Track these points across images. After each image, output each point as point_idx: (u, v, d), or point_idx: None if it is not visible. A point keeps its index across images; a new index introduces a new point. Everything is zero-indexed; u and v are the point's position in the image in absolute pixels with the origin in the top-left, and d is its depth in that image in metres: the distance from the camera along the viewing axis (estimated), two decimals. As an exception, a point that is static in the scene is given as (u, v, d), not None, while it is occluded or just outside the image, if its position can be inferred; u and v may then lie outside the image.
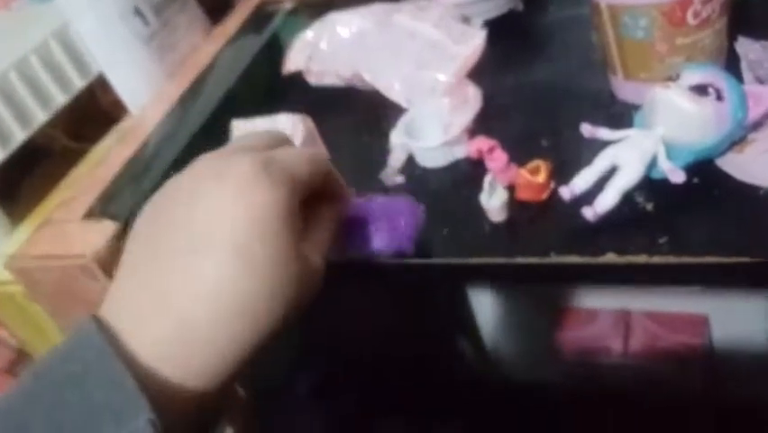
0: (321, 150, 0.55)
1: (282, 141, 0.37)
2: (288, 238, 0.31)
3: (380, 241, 0.41)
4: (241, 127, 0.56)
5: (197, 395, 0.30)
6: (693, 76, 0.41)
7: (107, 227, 0.52)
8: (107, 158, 0.61)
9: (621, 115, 0.49)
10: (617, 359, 0.97)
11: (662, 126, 0.41)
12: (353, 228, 0.41)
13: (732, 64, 0.48)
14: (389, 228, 0.41)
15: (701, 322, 0.94)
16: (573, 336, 0.98)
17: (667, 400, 0.91)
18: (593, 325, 0.98)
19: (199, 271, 0.30)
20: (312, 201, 0.36)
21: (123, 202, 0.54)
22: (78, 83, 0.66)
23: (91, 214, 0.54)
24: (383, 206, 0.42)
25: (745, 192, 0.40)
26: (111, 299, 0.32)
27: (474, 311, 1.04)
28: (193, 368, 0.30)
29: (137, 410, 0.27)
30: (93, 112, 0.71)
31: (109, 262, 0.50)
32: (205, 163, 0.33)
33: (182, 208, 0.32)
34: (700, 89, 0.40)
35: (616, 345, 0.96)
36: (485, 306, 1.03)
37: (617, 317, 0.98)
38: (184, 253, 0.30)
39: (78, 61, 0.66)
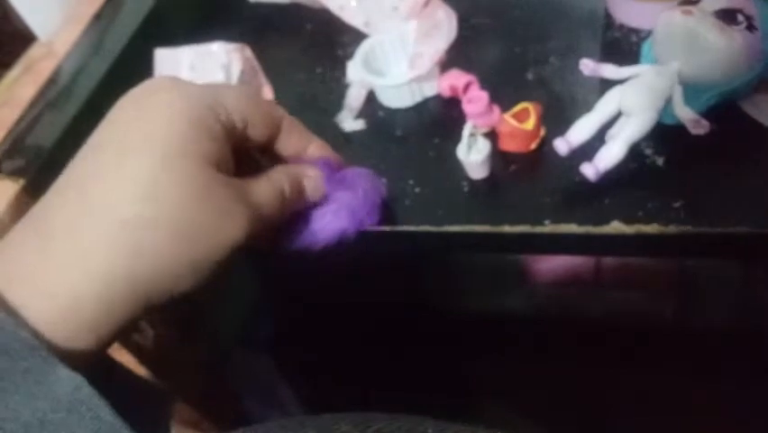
0: (263, 86, 0.47)
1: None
2: (194, 151, 0.28)
3: (334, 227, 0.33)
4: (165, 57, 0.47)
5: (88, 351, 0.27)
6: (719, -2, 0.33)
7: (9, 186, 0.43)
8: (10, 95, 0.51)
9: (620, 42, 0.42)
10: (589, 285, 0.94)
11: (679, 62, 0.33)
12: (299, 216, 0.34)
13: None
14: (347, 213, 0.33)
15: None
16: (543, 265, 0.94)
17: (640, 327, 0.89)
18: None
19: (109, 191, 0.27)
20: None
21: (27, 153, 0.45)
22: (-22, 3, 0.56)
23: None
24: (337, 182, 0.34)
25: (775, 142, 0.34)
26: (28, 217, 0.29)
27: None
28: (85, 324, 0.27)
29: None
30: (4, 35, 0.61)
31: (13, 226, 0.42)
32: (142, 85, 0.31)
33: (107, 132, 0.29)
34: (728, 15, 0.32)
35: (587, 272, 0.93)
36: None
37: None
38: (102, 164, 0.28)
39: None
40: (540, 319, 0.96)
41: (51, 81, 0.51)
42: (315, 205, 0.34)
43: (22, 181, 0.43)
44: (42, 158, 0.45)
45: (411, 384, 0.79)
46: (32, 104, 0.49)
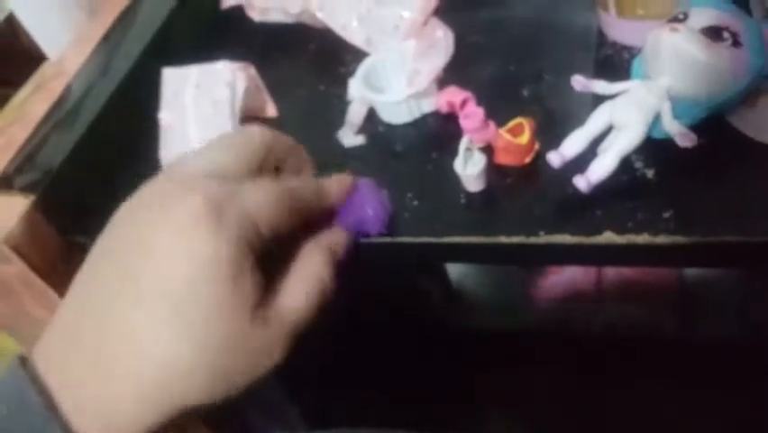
0: (268, 106, 0.48)
1: (262, 156, 0.31)
2: (233, 302, 0.27)
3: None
4: (172, 76, 0.48)
5: None
6: (705, 16, 0.34)
7: (20, 201, 0.44)
8: (21, 113, 0.53)
9: (613, 59, 0.43)
10: (590, 301, 0.94)
11: (668, 77, 0.34)
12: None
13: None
14: (356, 219, 0.34)
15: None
16: (546, 280, 0.95)
17: (640, 342, 0.90)
18: (565, 268, 0.95)
19: (132, 329, 0.27)
20: (292, 237, 0.31)
21: (38, 168, 0.46)
22: (-11, 21, 0.57)
23: (1, 184, 0.46)
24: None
25: (761, 153, 0.35)
26: (47, 337, 0.29)
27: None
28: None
29: None
30: (15, 54, 0.62)
31: (24, 243, 0.43)
32: (156, 189, 0.29)
33: (123, 246, 0.29)
34: (714, 33, 0.34)
35: (588, 286, 0.93)
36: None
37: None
38: (119, 303, 0.28)
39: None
40: (542, 333, 0.96)
41: (62, 100, 0.52)
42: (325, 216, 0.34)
43: (32, 197, 0.44)
44: (52, 174, 0.46)
45: (415, 397, 0.80)
46: (43, 121, 0.50)
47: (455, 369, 0.90)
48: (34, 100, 0.54)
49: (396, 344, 0.87)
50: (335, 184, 0.34)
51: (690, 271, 0.93)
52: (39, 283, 0.45)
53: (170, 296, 0.27)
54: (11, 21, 0.62)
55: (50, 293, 0.45)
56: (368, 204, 0.35)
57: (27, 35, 0.61)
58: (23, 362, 0.28)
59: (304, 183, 0.32)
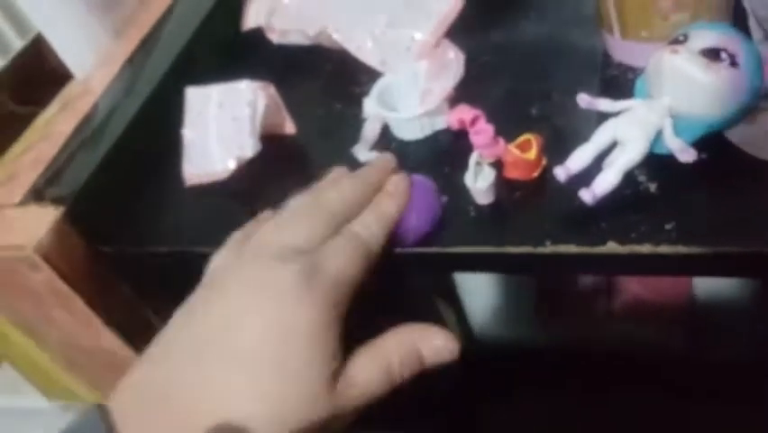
0: (287, 123, 0.50)
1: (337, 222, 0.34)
2: (319, 369, 0.29)
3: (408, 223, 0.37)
4: (195, 95, 0.50)
5: None
6: (704, 38, 0.36)
7: (50, 212, 0.46)
8: (49, 131, 0.55)
9: (618, 79, 0.45)
10: (601, 320, 0.95)
11: (669, 96, 0.36)
12: None
13: (739, 20, 0.43)
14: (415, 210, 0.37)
15: (684, 280, 0.92)
16: (555, 298, 0.95)
17: (651, 359, 0.90)
18: (575, 286, 0.95)
19: (212, 385, 0.28)
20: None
21: (67, 182, 0.49)
22: (17, 44, 0.60)
23: (32, 196, 0.48)
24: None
25: (759, 169, 0.36)
26: (125, 389, 0.30)
27: (453, 274, 1.01)
28: None
29: None
30: (42, 73, 0.65)
31: (53, 251, 0.45)
32: (249, 271, 0.31)
33: (212, 310, 0.30)
34: (713, 54, 0.35)
35: (599, 306, 0.94)
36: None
37: (599, 278, 0.96)
38: (203, 360, 0.29)
39: (17, 20, 0.59)
40: (551, 351, 0.97)
41: (88, 117, 0.55)
42: None
43: (61, 209, 0.46)
44: (80, 187, 0.48)
45: (420, 413, 0.80)
46: (71, 138, 0.53)
47: (463, 386, 0.90)
48: (61, 118, 0.56)
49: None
50: (394, 206, 0.36)
51: (701, 290, 0.93)
52: (65, 290, 0.46)
53: (253, 357, 0.28)
54: (38, 42, 0.64)
55: (76, 300, 0.47)
56: (415, 210, 0.37)
57: (54, 55, 0.63)
58: (102, 411, 0.28)
59: (372, 228, 0.34)
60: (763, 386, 0.80)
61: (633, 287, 0.95)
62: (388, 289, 0.80)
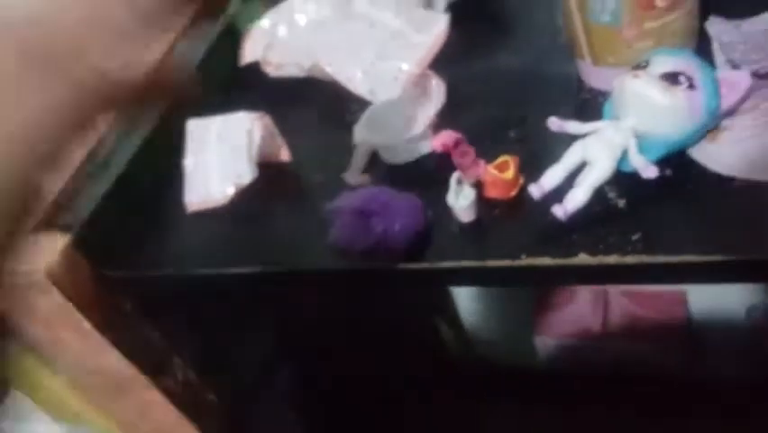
0: (283, 151, 0.53)
1: None
2: None
3: (372, 237, 0.40)
4: (196, 126, 0.53)
5: None
6: (663, 63, 0.39)
7: (59, 240, 0.49)
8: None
9: (590, 102, 0.47)
10: (597, 339, 0.96)
11: (633, 118, 0.39)
12: (348, 216, 0.41)
13: (703, 46, 0.46)
14: (385, 226, 0.40)
15: (679, 299, 0.94)
16: (552, 317, 0.97)
17: (647, 378, 0.92)
18: (572, 305, 0.97)
19: None
20: None
21: (76, 212, 0.51)
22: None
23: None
24: (384, 201, 0.41)
25: (720, 183, 0.39)
26: None
27: (452, 294, 1.03)
28: None
29: None
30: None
31: (62, 276, 0.48)
32: None
33: None
34: (671, 78, 0.38)
35: (595, 324, 0.96)
36: (462, 289, 1.02)
37: (595, 297, 0.97)
38: None
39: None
40: (548, 370, 0.98)
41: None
42: (368, 215, 0.41)
43: (70, 235, 0.49)
44: (88, 215, 0.51)
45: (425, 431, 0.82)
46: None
47: (461, 406, 0.92)
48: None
49: (402, 381, 0.89)
50: None
51: (696, 309, 0.95)
52: (74, 313, 0.49)
53: None
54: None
55: (84, 322, 0.50)
56: (399, 220, 0.40)
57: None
58: None
59: None
60: (759, 404, 0.81)
61: (628, 305, 0.96)
62: (386, 309, 0.82)
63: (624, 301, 0.97)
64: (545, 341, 0.98)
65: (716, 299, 0.93)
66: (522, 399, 0.95)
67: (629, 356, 0.95)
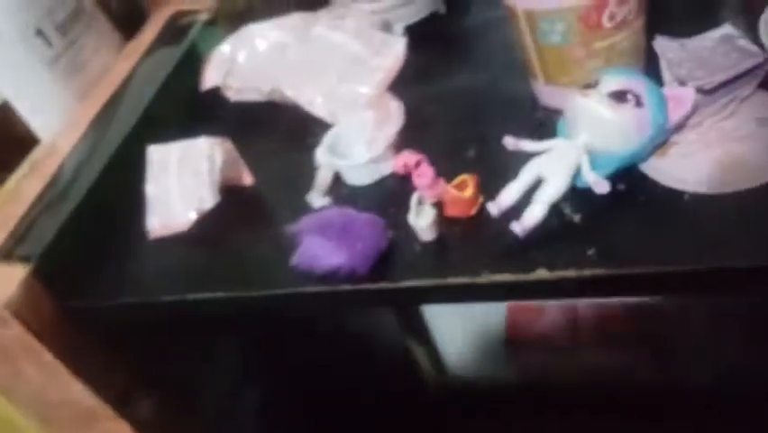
0: (245, 174, 0.53)
1: None
2: None
3: (335, 258, 0.41)
4: (156, 152, 0.53)
5: None
6: (612, 82, 0.40)
7: (18, 271, 0.48)
8: (17, 193, 0.57)
9: (545, 121, 0.49)
10: (569, 350, 0.97)
11: (584, 135, 0.40)
12: (310, 238, 0.42)
13: (651, 64, 0.48)
14: (347, 246, 0.40)
15: (648, 308, 0.96)
16: (524, 330, 0.98)
17: (620, 387, 0.93)
18: (542, 318, 0.99)
19: None
20: None
21: (34, 241, 0.51)
22: (-15, 112, 0.62)
23: (0, 256, 0.50)
24: (345, 222, 0.42)
25: (670, 197, 0.40)
26: None
27: (421, 310, 1.03)
28: None
29: None
30: (11, 139, 0.67)
31: (22, 308, 0.47)
32: None
33: None
34: (619, 96, 0.40)
35: (566, 336, 0.97)
36: (432, 305, 1.03)
37: (565, 309, 0.99)
38: None
39: (-17, 87, 0.62)
40: (521, 385, 0.99)
41: (55, 177, 0.57)
42: (330, 236, 0.41)
43: (30, 266, 0.48)
44: (48, 245, 0.50)
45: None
46: (39, 198, 0.55)
47: (434, 422, 0.92)
48: (29, 180, 0.58)
49: (376, 395, 0.89)
50: None
51: (668, 317, 0.97)
52: (35, 345, 0.48)
53: None
54: (5, 109, 0.66)
55: (46, 355, 0.49)
56: (361, 240, 0.41)
57: (22, 123, 0.66)
58: None
59: None
60: (729, 411, 0.83)
61: (598, 315, 0.98)
62: (356, 326, 0.82)
63: (593, 312, 0.98)
64: (517, 354, 0.99)
65: (682, 308, 0.95)
66: (495, 413, 0.95)
67: (601, 366, 0.96)
